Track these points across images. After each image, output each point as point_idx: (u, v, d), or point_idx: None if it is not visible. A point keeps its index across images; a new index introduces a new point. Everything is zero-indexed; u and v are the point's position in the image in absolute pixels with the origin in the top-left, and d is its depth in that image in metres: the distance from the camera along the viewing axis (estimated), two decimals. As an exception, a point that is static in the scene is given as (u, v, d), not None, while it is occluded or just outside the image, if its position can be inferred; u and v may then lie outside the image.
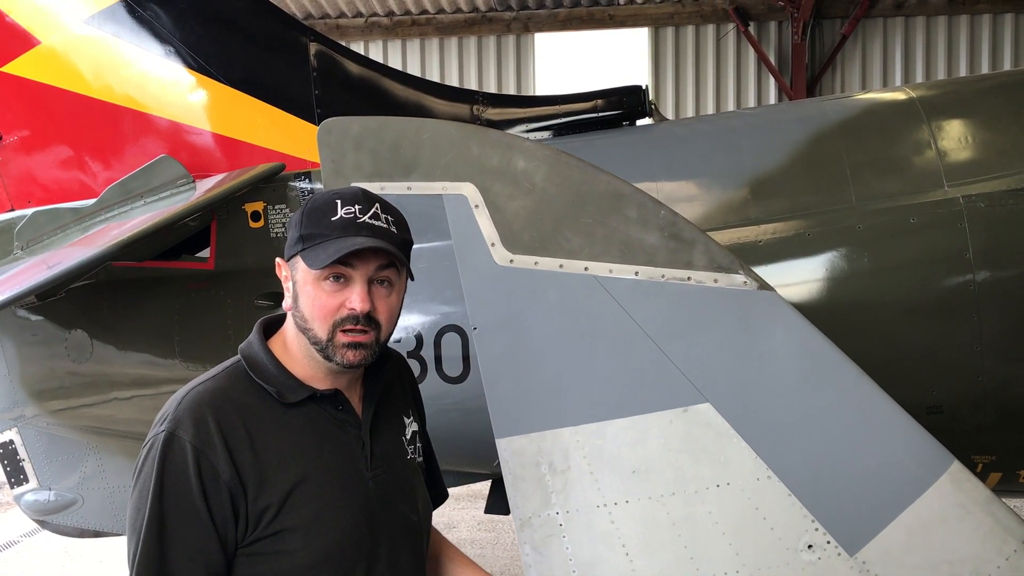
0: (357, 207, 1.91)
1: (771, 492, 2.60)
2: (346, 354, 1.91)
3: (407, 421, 2.15)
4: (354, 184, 2.70)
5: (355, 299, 1.90)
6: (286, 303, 1.96)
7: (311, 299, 1.90)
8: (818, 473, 2.60)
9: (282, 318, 2.04)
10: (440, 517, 8.55)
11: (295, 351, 1.97)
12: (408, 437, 2.14)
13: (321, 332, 1.90)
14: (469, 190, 2.73)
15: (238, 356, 1.98)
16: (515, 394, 2.69)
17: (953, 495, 2.55)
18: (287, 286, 1.96)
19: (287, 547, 1.84)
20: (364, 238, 1.88)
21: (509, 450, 2.72)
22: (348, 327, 1.90)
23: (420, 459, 2.19)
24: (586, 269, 2.71)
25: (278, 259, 1.99)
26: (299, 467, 1.87)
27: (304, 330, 1.92)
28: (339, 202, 1.91)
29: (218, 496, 1.79)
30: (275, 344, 1.99)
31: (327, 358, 1.92)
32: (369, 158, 2.79)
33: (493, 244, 2.72)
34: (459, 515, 7.48)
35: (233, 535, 1.82)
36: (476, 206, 2.74)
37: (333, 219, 1.89)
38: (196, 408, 1.84)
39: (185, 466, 1.78)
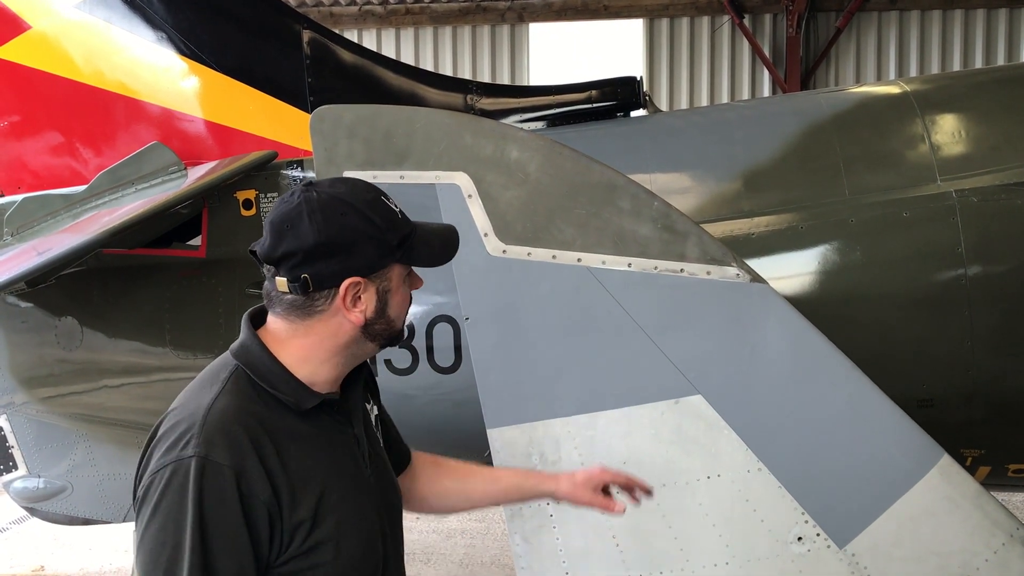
0: (390, 196, 1.86)
1: (762, 484, 2.60)
2: (404, 331, 1.95)
3: (369, 407, 2.08)
4: (346, 173, 2.70)
5: (418, 281, 1.92)
6: (360, 318, 1.81)
7: (403, 298, 1.87)
8: (808, 465, 2.61)
9: (261, 313, 1.93)
10: (431, 507, 8.26)
11: (312, 355, 1.84)
12: (374, 423, 2.09)
13: (401, 324, 1.90)
14: (462, 180, 2.72)
15: (232, 362, 1.83)
16: (507, 385, 2.69)
17: (942, 488, 2.55)
18: (361, 300, 1.81)
19: (320, 559, 1.78)
20: (436, 228, 1.93)
21: (500, 440, 2.72)
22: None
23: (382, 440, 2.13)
24: (579, 260, 2.70)
25: (349, 280, 1.77)
26: (320, 477, 1.80)
27: (380, 333, 1.86)
28: (382, 197, 1.84)
29: (258, 518, 1.70)
30: (269, 345, 1.86)
31: (396, 342, 1.92)
32: (362, 146, 2.77)
33: (486, 234, 2.70)
34: (450, 505, 7.43)
35: (266, 554, 1.73)
36: (469, 196, 2.73)
37: (399, 218, 1.83)
38: (226, 427, 1.71)
39: (224, 492, 1.66)
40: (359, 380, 1.97)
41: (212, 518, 1.65)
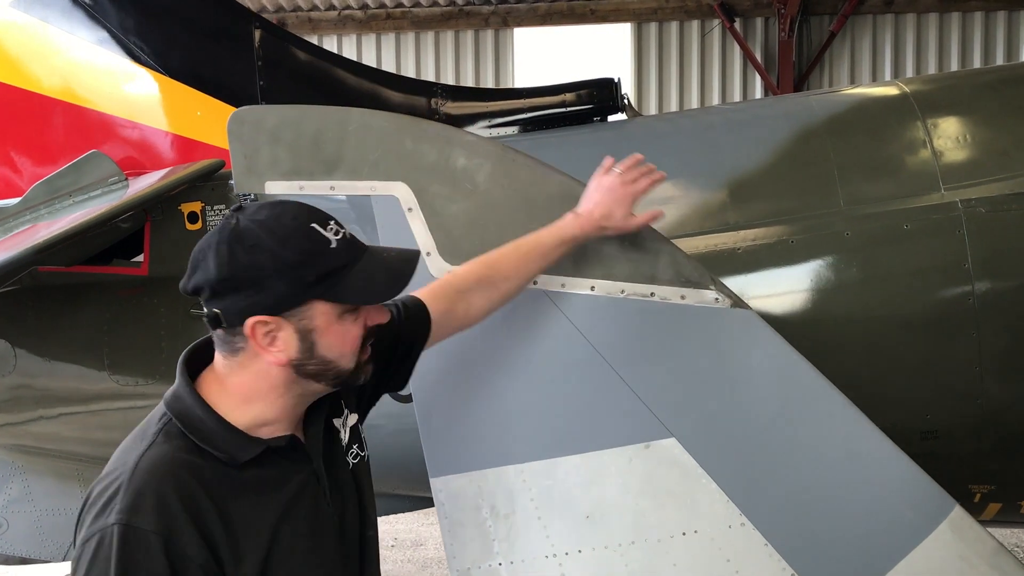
0: (329, 223, 1.73)
1: (745, 541, 2.36)
2: (367, 368, 1.82)
3: (338, 423, 1.92)
4: (268, 183, 2.43)
5: (379, 314, 1.81)
6: (282, 358, 1.69)
7: (342, 337, 1.74)
8: (798, 520, 2.37)
9: (204, 349, 1.78)
10: (407, 534, 8.15)
11: (254, 395, 1.73)
12: (347, 441, 1.92)
13: (350, 363, 1.77)
14: (401, 191, 2.49)
15: (164, 412, 1.72)
16: (452, 427, 2.44)
17: (954, 546, 2.32)
18: (278, 339, 1.69)
19: None
20: (390, 259, 1.81)
21: (445, 491, 2.44)
22: (367, 344, 1.80)
23: (365, 454, 2.00)
24: (535, 283, 2.45)
25: (254, 319, 1.66)
26: (268, 528, 1.70)
27: (320, 374, 1.75)
28: (313, 225, 1.70)
29: None
30: (209, 388, 1.73)
31: (351, 382, 1.81)
32: (287, 153, 2.52)
33: (429, 253, 2.48)
34: (427, 531, 7.23)
35: None
36: (409, 209, 2.49)
37: (332, 247, 1.70)
38: (152, 485, 1.60)
39: (151, 561, 1.56)
40: (322, 410, 1.87)
41: None
